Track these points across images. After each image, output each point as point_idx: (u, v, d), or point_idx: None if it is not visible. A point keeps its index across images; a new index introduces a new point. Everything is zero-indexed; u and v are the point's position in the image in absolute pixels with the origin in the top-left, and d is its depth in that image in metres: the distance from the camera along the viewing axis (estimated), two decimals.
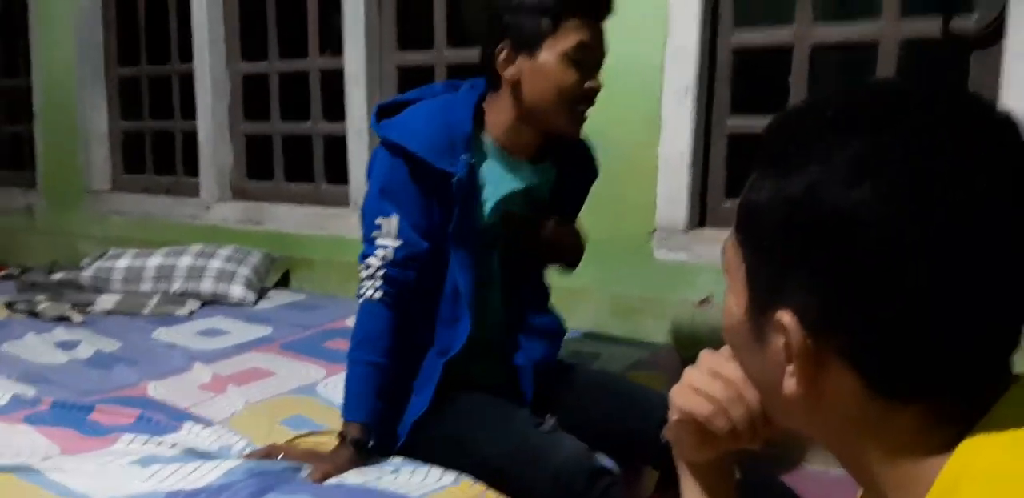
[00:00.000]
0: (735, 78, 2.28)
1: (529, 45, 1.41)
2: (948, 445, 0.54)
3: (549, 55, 1.41)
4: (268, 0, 3.09)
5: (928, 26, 2.04)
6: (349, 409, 1.47)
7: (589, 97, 1.45)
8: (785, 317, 0.56)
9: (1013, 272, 0.54)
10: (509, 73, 1.44)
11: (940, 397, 0.55)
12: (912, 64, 2.09)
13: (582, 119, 1.48)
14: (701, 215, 2.31)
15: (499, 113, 1.49)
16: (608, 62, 2.28)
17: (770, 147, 0.59)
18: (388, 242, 1.45)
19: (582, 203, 1.68)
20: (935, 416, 0.55)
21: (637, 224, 2.31)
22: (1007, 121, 0.55)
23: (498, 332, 1.61)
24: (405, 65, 2.82)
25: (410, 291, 1.48)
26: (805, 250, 0.54)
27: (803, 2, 2.18)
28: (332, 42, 2.97)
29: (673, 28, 2.24)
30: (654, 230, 2.31)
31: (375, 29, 2.80)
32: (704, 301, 2.22)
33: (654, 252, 2.31)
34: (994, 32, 1.95)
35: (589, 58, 1.43)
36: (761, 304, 0.59)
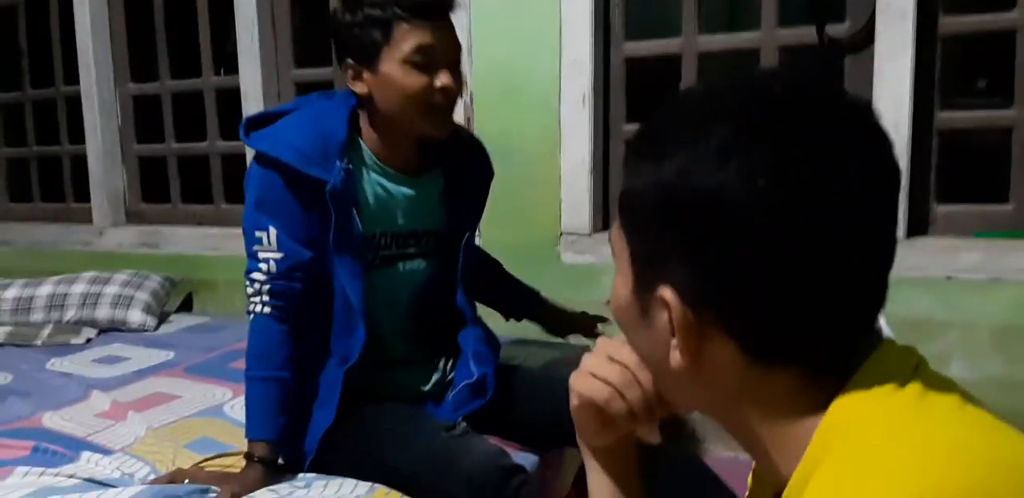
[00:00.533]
0: (629, 86, 2.35)
1: (368, 59, 1.39)
2: (823, 404, 0.58)
3: (389, 65, 1.38)
4: (157, 19, 3.03)
5: (804, 34, 2.14)
6: (252, 428, 1.43)
7: (444, 96, 1.41)
8: (666, 293, 0.59)
9: (869, 239, 0.58)
10: (359, 89, 1.42)
11: (812, 360, 0.59)
12: (793, 68, 2.20)
13: (444, 119, 1.44)
14: (604, 218, 2.36)
15: (368, 127, 1.48)
16: (507, 75, 2.34)
17: (645, 137, 0.63)
18: (269, 255, 1.43)
19: (482, 206, 1.66)
20: (809, 378, 0.59)
21: (543, 229, 2.35)
22: (861, 104, 0.60)
23: (416, 346, 1.60)
24: (303, 81, 2.80)
25: (297, 302, 1.45)
26: (680, 229, 0.58)
27: (689, 15, 2.26)
28: (226, 60, 2.92)
29: (567, 40, 2.29)
30: (561, 234, 2.34)
31: (270, 46, 2.77)
32: (610, 303, 2.26)
33: (561, 256, 2.34)
34: (865, 38, 2.06)
35: (433, 58, 1.39)
36: (645, 283, 0.62)
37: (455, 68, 1.42)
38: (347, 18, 1.40)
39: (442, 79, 1.39)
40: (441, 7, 1.41)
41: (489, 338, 1.62)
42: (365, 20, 1.38)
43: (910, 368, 0.60)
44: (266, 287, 1.43)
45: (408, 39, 1.37)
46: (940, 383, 0.59)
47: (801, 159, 0.55)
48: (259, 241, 1.43)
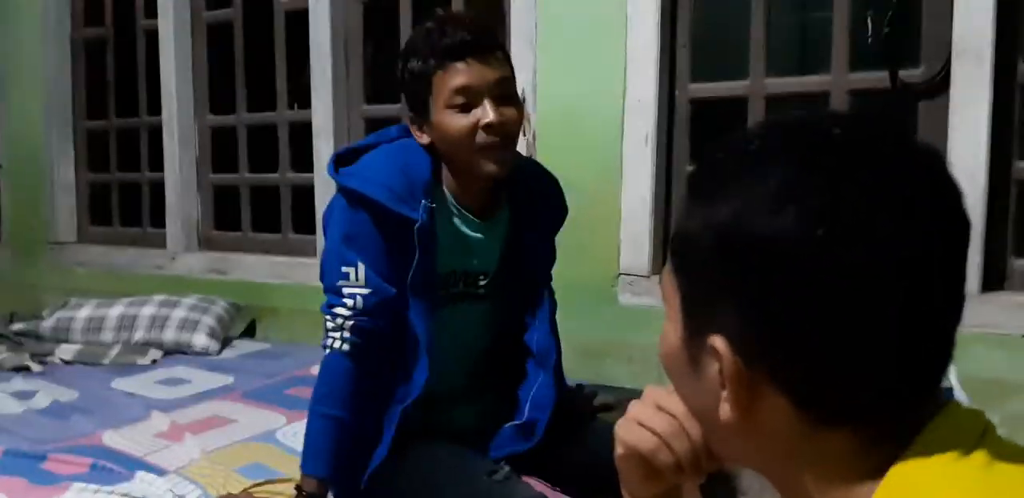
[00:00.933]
0: (693, 127, 2.34)
1: (422, 111, 1.43)
2: (881, 469, 0.55)
3: (437, 114, 1.40)
4: (237, 55, 3.15)
5: (877, 78, 2.11)
6: (307, 463, 1.43)
7: (491, 132, 1.39)
8: (717, 342, 0.56)
9: (934, 294, 0.55)
10: (424, 141, 1.45)
11: (871, 420, 0.56)
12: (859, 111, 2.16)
13: (501, 156, 1.42)
14: (664, 260, 2.33)
15: (445, 168, 1.49)
16: (570, 113, 2.36)
17: (701, 177, 0.61)
18: (357, 290, 1.42)
19: (552, 245, 1.63)
20: (867, 439, 0.56)
21: (602, 269, 2.33)
22: (929, 151, 0.57)
23: (475, 384, 1.59)
24: (373, 117, 2.86)
25: (378, 341, 1.45)
26: (733, 276, 0.56)
27: (757, 57, 2.25)
28: (301, 95, 3.01)
29: (631, 80, 2.30)
30: (618, 275, 2.33)
31: (342, 82, 2.85)
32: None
33: (619, 297, 2.32)
34: (940, 83, 2.02)
35: (473, 97, 1.38)
36: (696, 330, 0.59)
37: (504, 102, 1.40)
38: (399, 75, 1.45)
39: (483, 116, 1.38)
40: (472, 47, 1.39)
41: (555, 383, 1.57)
42: (410, 75, 1.42)
43: (976, 434, 0.56)
44: (349, 323, 1.42)
45: (446, 85, 1.39)
46: (1009, 451, 0.55)
47: (863, 207, 0.52)
48: (345, 276, 1.43)
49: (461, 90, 1.38)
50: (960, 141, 1.94)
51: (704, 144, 2.32)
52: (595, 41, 2.34)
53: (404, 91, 1.46)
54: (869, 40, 2.12)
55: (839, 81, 2.15)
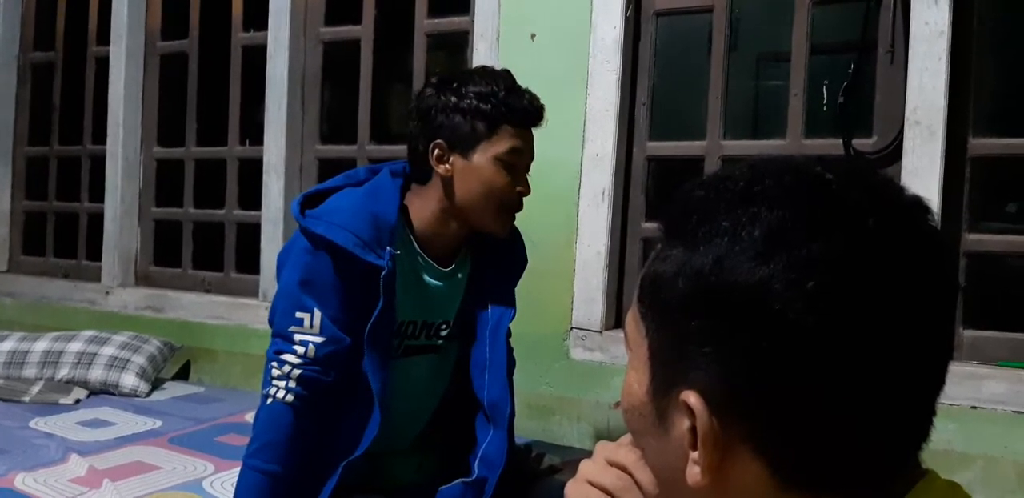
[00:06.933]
0: (650, 184, 2.34)
1: (464, 146, 1.42)
2: None
3: (483, 157, 1.42)
4: (190, 86, 3.09)
5: (831, 145, 2.14)
6: None
7: (518, 200, 1.47)
8: (692, 398, 0.52)
9: (926, 356, 0.52)
10: (443, 171, 1.44)
11: (850, 491, 0.53)
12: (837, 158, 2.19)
13: (511, 220, 1.49)
14: (617, 316, 2.32)
15: (424, 205, 1.47)
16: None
17: (678, 218, 0.56)
18: (310, 338, 1.36)
19: (512, 297, 1.59)
20: None
21: (554, 323, 2.30)
22: (919, 203, 0.54)
23: (422, 437, 1.54)
24: (326, 157, 2.82)
25: (325, 393, 1.38)
26: (711, 326, 0.51)
27: (714, 119, 2.28)
28: (253, 132, 2.96)
29: (590, 135, 2.31)
30: (571, 329, 2.30)
31: (298, 121, 2.81)
32: (620, 403, 2.19)
33: (570, 351, 2.29)
34: (892, 153, 2.06)
35: (520, 163, 1.45)
36: (665, 382, 0.55)
37: (527, 175, 1.49)
38: (452, 100, 1.42)
39: (523, 184, 1.46)
40: (538, 119, 1.48)
41: (507, 440, 1.52)
42: (472, 110, 1.42)
43: None
44: (297, 372, 1.36)
45: (507, 140, 1.43)
46: None
47: (858, 261, 0.49)
48: (299, 322, 1.37)
49: (517, 152, 1.44)
50: None
51: (660, 201, 2.34)
52: (556, 96, 2.30)
53: (451, 118, 1.42)
54: (824, 108, 2.18)
55: (793, 146, 2.19)
